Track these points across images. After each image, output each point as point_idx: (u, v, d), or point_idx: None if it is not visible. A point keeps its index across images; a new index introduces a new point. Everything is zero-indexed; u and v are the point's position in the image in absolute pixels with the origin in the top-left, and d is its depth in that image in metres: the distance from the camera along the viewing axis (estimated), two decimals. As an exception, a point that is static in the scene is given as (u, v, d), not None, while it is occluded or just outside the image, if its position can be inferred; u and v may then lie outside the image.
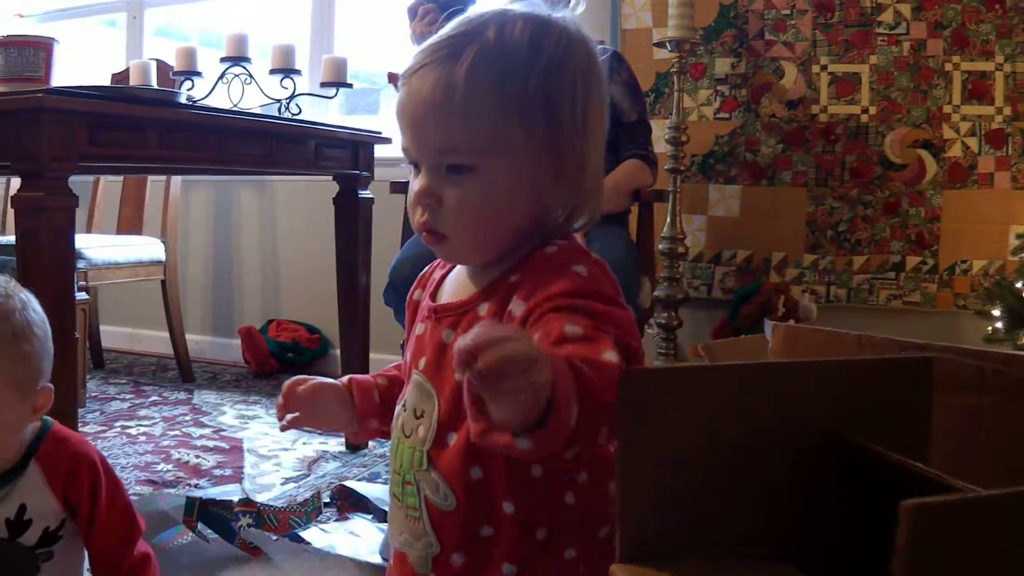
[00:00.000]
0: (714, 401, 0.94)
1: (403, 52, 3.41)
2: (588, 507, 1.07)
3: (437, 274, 1.20)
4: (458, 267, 1.15)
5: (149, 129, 2.29)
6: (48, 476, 1.51)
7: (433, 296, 1.16)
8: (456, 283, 1.14)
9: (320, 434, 3.29)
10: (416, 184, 1.08)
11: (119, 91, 2.52)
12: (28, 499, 1.49)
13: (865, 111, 3.53)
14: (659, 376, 0.93)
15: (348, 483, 2.54)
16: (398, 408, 1.16)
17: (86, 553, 1.60)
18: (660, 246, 3.31)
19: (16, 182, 4.73)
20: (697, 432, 0.93)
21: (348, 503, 2.43)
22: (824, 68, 3.59)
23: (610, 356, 0.90)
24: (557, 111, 1.03)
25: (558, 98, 1.03)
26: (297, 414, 1.25)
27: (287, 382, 1.26)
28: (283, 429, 1.27)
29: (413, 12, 2.87)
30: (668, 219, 3.38)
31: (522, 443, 0.82)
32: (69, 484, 1.52)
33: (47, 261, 2.06)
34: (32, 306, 1.46)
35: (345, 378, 1.28)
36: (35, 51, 2.39)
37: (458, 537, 1.07)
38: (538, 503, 1.05)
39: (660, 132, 3.45)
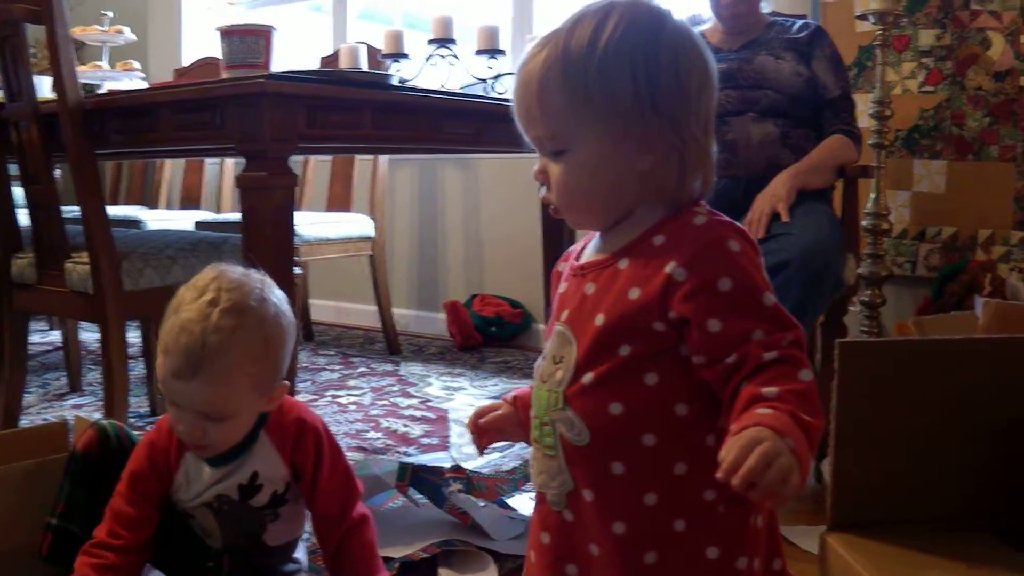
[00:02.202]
0: (929, 375, 0.96)
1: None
2: None
3: (579, 247, 1.30)
4: (597, 233, 1.25)
5: (364, 110, 2.39)
6: (276, 444, 1.60)
7: (577, 260, 1.27)
8: (596, 246, 1.24)
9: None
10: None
11: (335, 75, 2.62)
12: (260, 466, 1.59)
13: (1078, 82, 3.42)
14: (876, 349, 0.96)
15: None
16: (538, 361, 1.26)
17: (308, 514, 1.70)
18: (864, 222, 3.26)
19: (230, 163, 4.95)
20: (912, 405, 0.95)
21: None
22: (1035, 39, 3.48)
23: (804, 375, 1.03)
24: (621, 95, 1.12)
25: (617, 84, 1.12)
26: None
27: (470, 418, 1.42)
28: (482, 454, 1.46)
29: None
30: (872, 195, 3.32)
31: None
32: (295, 451, 1.61)
33: (269, 237, 2.16)
34: (283, 309, 1.55)
35: (510, 396, 1.40)
36: (255, 39, 2.49)
37: (590, 472, 1.16)
38: (680, 440, 1.12)
39: (863, 107, 3.40)
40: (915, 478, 0.96)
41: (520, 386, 3.41)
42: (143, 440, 1.67)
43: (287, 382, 1.59)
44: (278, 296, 1.55)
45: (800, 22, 2.98)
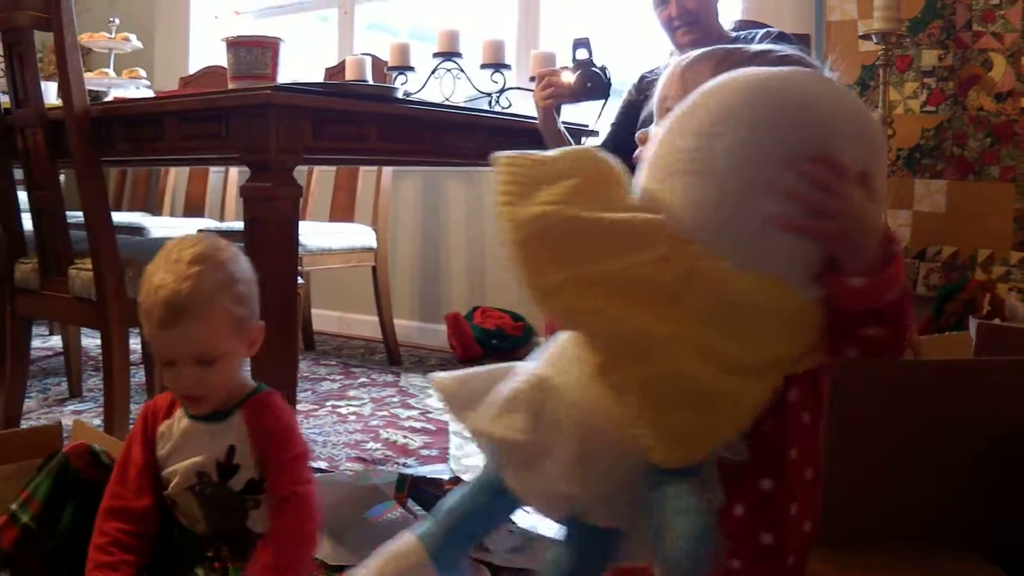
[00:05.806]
0: (915, 396, 0.97)
1: (613, 45, 3.44)
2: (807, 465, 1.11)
3: None
4: None
5: (369, 123, 2.40)
6: (249, 426, 1.64)
7: None
8: None
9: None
10: None
11: (341, 87, 2.64)
12: (236, 441, 1.64)
13: (1079, 105, 3.43)
14: (865, 370, 0.97)
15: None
16: None
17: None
18: (863, 241, 3.27)
19: (234, 171, 4.97)
20: (899, 425, 0.96)
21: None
22: (1037, 61, 3.50)
23: None
24: None
25: None
26: None
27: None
28: None
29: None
30: (872, 213, 3.33)
31: (856, 282, 0.95)
32: (263, 441, 1.64)
33: (273, 247, 2.18)
34: (240, 257, 1.65)
35: None
36: (262, 50, 2.51)
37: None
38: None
39: (865, 126, 3.41)
40: (902, 497, 0.98)
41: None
42: None
43: (262, 323, 1.66)
44: (234, 248, 1.65)
45: (762, 31, 2.89)
